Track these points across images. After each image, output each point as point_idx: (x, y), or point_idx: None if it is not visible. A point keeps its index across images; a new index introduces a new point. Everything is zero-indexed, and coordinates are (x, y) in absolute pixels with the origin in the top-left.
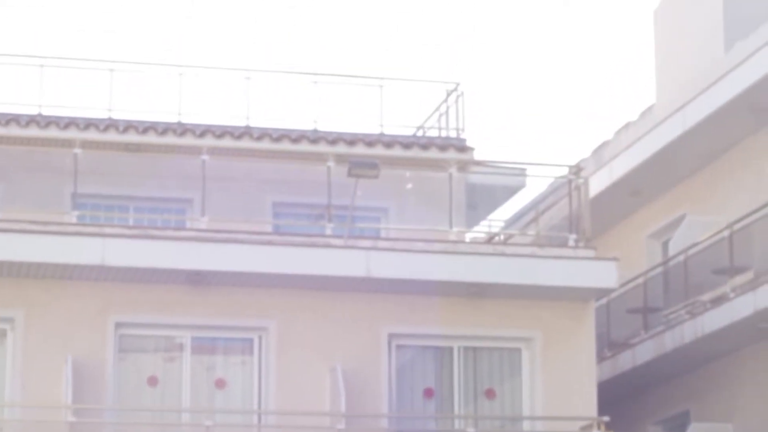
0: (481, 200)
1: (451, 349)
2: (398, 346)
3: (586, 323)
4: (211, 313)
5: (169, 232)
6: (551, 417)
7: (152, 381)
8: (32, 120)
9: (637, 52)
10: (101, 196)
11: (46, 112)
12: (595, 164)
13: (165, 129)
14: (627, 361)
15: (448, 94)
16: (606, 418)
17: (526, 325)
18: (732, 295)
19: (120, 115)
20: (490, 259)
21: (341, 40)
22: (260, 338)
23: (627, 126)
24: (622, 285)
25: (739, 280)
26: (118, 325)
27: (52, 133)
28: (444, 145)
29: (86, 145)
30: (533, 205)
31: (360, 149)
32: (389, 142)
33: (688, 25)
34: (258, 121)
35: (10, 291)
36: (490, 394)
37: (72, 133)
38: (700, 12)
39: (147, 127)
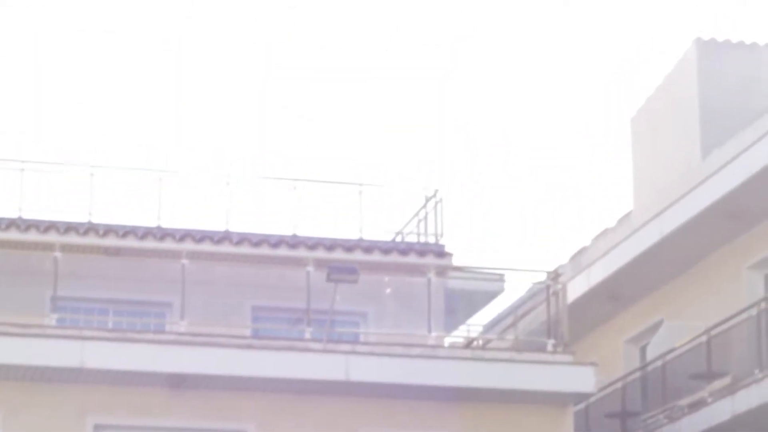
0: (460, 305)
1: None
2: None
3: (564, 428)
4: (190, 416)
5: (149, 336)
6: None
7: None
8: (12, 223)
9: (614, 158)
10: (81, 299)
11: (26, 215)
12: (573, 270)
13: (145, 233)
14: None
15: (427, 200)
16: None
17: (505, 430)
18: (710, 399)
19: (100, 218)
20: (469, 363)
21: (323, 146)
22: None
23: (605, 232)
24: (601, 389)
25: (717, 384)
26: (97, 428)
27: (32, 236)
28: (423, 250)
29: (66, 248)
30: (512, 310)
31: (339, 254)
32: (368, 247)
33: (664, 133)
34: (237, 226)
35: None
36: None
37: (52, 237)
38: (676, 119)
39: (127, 232)
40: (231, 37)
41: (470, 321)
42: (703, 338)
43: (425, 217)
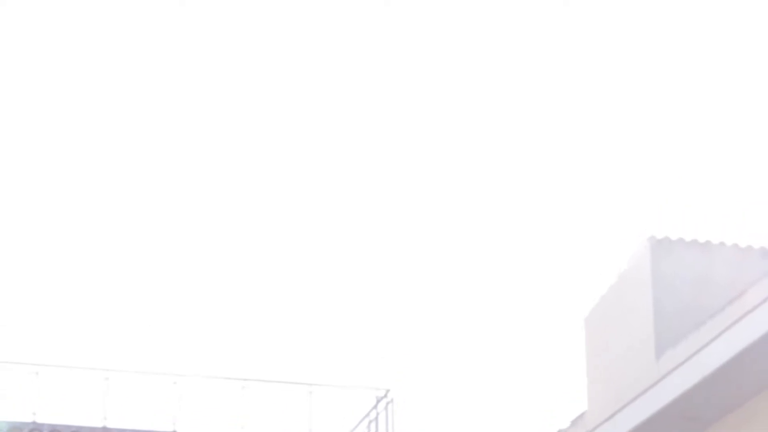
0: None
1: None
2: None
3: None
4: None
5: None
6: None
7: None
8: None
9: (568, 358)
10: None
11: (40, 419)
12: None
13: None
14: None
15: (378, 401)
16: None
17: None
18: None
19: (44, 418)
20: None
21: (272, 344)
22: None
23: None
24: None
25: None
26: None
27: None
28: None
29: None
30: None
31: None
32: None
33: (618, 333)
34: (185, 426)
35: None
36: None
37: None
38: (630, 320)
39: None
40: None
41: None
42: None
43: (376, 418)
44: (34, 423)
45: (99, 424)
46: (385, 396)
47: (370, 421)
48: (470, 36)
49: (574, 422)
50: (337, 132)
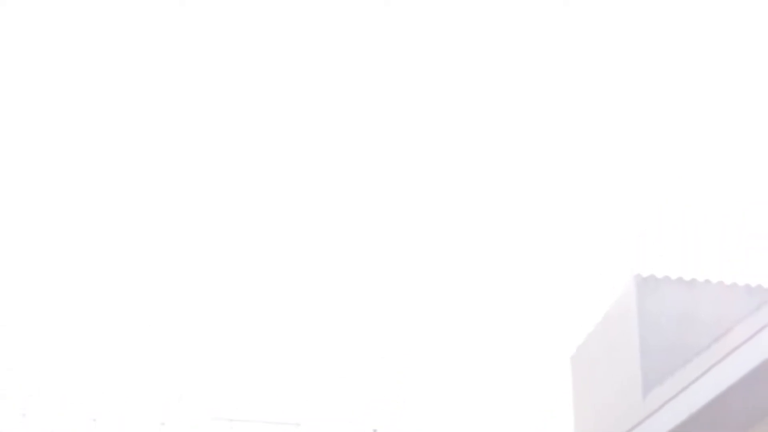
0: None
1: None
2: None
3: None
4: None
5: None
6: None
7: None
8: None
9: (554, 397)
10: None
11: None
12: None
13: None
14: None
15: None
16: None
17: None
18: None
19: None
20: None
21: (260, 384)
22: None
23: None
24: None
25: None
26: None
27: None
28: None
29: None
30: None
31: None
32: None
33: (605, 371)
34: None
35: None
36: None
37: None
38: (616, 358)
39: None
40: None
41: None
42: None
43: None
44: None
45: None
46: None
47: None
48: (470, 36)
49: None
50: (337, 132)
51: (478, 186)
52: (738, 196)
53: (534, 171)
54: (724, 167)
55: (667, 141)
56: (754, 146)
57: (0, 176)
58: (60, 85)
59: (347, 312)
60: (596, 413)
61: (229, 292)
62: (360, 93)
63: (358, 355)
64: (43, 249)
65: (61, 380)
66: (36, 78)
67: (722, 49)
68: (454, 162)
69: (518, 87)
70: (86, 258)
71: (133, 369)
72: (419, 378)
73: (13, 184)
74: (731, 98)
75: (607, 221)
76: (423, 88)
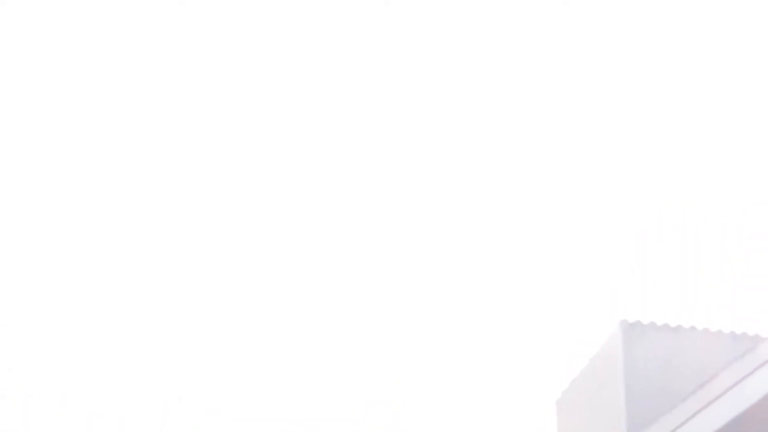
0: None
1: None
2: None
3: None
4: None
5: None
6: None
7: None
8: None
9: None
10: None
11: None
12: None
13: None
14: None
15: None
16: None
17: None
18: None
19: None
20: None
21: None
22: None
23: None
24: None
25: None
26: None
27: None
28: None
29: None
30: None
31: None
32: None
33: (590, 416)
34: None
35: None
36: None
37: None
38: (602, 403)
39: None
40: None
41: None
42: None
43: None
44: None
45: None
46: None
47: None
48: (470, 36)
49: None
50: (337, 132)
51: (478, 186)
52: (726, 237)
53: (531, 179)
54: (718, 187)
55: (663, 153)
56: (754, 146)
57: (0, 176)
58: (60, 85)
59: (347, 312)
60: None
61: (229, 292)
62: (360, 93)
63: (358, 355)
64: (43, 249)
65: (61, 380)
66: (36, 78)
67: (722, 49)
68: (454, 162)
69: (518, 87)
70: (86, 258)
71: (133, 369)
72: (419, 378)
73: (13, 184)
74: (731, 98)
75: (595, 265)
76: (423, 88)
